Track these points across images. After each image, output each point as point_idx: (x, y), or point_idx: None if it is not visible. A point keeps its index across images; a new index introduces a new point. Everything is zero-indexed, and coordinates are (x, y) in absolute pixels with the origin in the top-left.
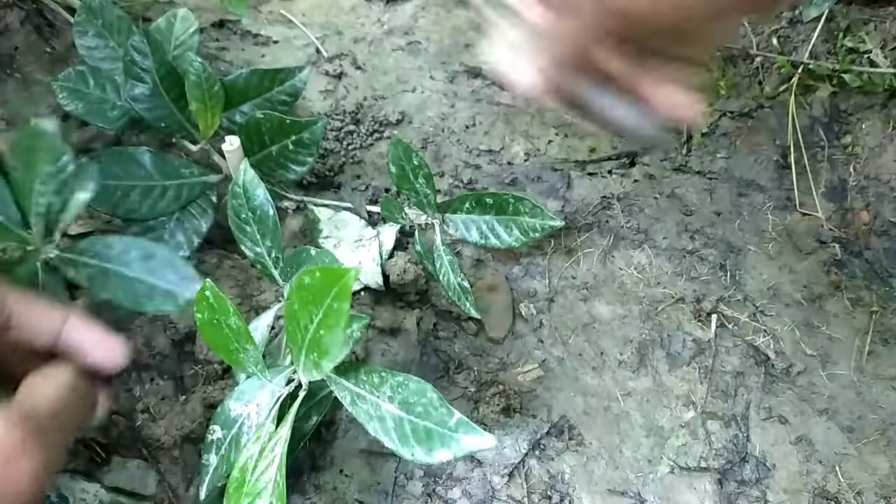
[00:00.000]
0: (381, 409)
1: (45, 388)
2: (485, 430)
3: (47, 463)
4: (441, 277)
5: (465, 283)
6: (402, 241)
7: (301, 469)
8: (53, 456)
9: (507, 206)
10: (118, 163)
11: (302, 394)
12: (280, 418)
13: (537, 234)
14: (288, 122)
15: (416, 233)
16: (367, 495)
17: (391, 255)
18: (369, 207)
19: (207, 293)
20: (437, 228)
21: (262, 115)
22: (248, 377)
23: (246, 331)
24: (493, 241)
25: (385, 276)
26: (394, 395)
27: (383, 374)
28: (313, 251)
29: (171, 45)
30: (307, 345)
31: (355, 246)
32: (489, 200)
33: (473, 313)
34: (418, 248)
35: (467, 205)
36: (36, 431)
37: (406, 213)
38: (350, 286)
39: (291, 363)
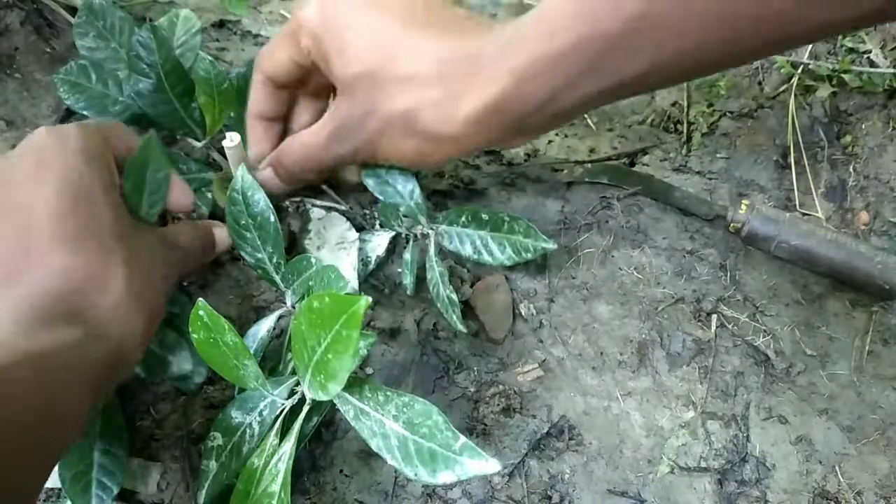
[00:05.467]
0: (385, 426)
1: (187, 231)
2: (484, 429)
3: (171, 274)
4: (431, 289)
5: (454, 297)
6: (399, 245)
7: (301, 469)
8: (175, 271)
9: (502, 224)
10: None
11: (306, 408)
12: (284, 431)
13: (530, 255)
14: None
15: (410, 242)
16: (367, 495)
17: (385, 261)
18: (367, 211)
19: (201, 312)
20: (432, 239)
21: None
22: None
23: (244, 347)
24: (486, 257)
25: (360, 282)
26: (399, 414)
27: (388, 392)
28: (314, 260)
29: (173, 46)
30: (314, 366)
31: (337, 248)
32: (485, 216)
33: (460, 327)
34: (407, 256)
35: (463, 218)
36: (171, 251)
37: (403, 221)
38: (360, 315)
39: (293, 373)
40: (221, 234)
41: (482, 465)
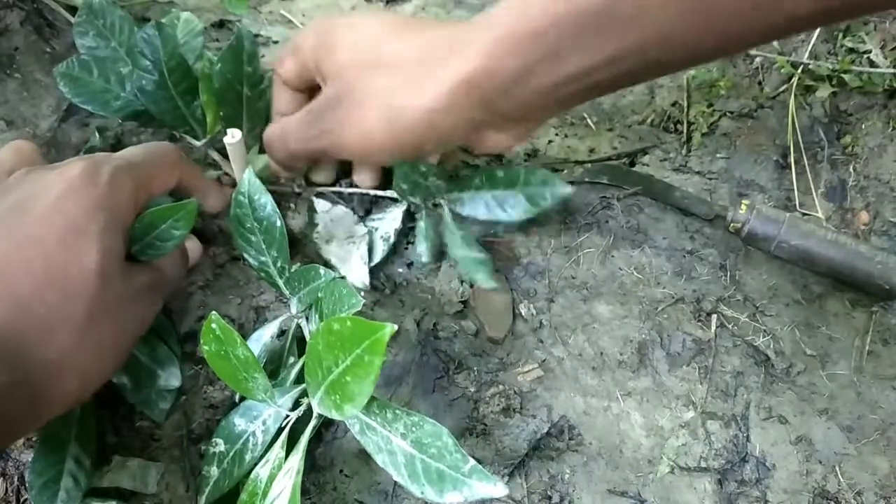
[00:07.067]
0: (392, 443)
1: (171, 259)
2: (484, 429)
3: (150, 316)
4: (453, 253)
5: (482, 255)
6: (401, 245)
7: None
8: (158, 307)
9: (518, 178)
10: None
11: (313, 422)
12: (289, 441)
13: (546, 203)
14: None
15: (423, 212)
16: (367, 495)
17: (387, 260)
18: (372, 191)
19: (214, 325)
20: (446, 207)
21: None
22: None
23: (254, 361)
24: (502, 214)
25: (371, 274)
26: (407, 432)
27: (397, 411)
28: (322, 271)
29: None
30: (328, 384)
31: (346, 242)
32: (500, 174)
33: (492, 283)
34: (422, 224)
35: (476, 181)
36: (157, 292)
37: (417, 196)
38: (384, 342)
39: (297, 381)
40: (193, 246)
41: (490, 488)
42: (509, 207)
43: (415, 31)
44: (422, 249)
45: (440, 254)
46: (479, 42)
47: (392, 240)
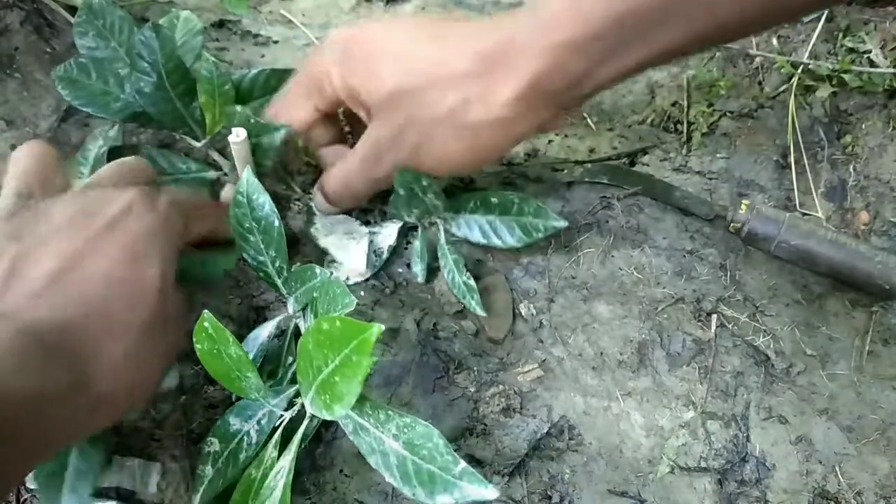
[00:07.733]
0: (385, 444)
1: None
2: (484, 429)
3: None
4: (446, 276)
5: (471, 282)
6: (401, 246)
7: (301, 469)
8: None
9: (512, 206)
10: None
11: (306, 422)
12: (282, 441)
13: (540, 235)
14: (253, 122)
15: (420, 230)
16: (366, 495)
17: (393, 251)
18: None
19: (206, 324)
20: (441, 227)
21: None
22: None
23: (247, 360)
24: (496, 240)
25: (374, 272)
26: (399, 433)
27: (390, 412)
28: (318, 270)
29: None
30: (319, 384)
31: (346, 239)
32: (494, 200)
33: (479, 311)
34: (417, 244)
35: (472, 204)
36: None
37: (413, 212)
38: (372, 342)
39: (293, 381)
40: (227, 193)
41: (481, 491)
42: (503, 234)
43: (455, 37)
44: (417, 270)
45: (435, 270)
46: (539, 47)
47: (385, 255)
